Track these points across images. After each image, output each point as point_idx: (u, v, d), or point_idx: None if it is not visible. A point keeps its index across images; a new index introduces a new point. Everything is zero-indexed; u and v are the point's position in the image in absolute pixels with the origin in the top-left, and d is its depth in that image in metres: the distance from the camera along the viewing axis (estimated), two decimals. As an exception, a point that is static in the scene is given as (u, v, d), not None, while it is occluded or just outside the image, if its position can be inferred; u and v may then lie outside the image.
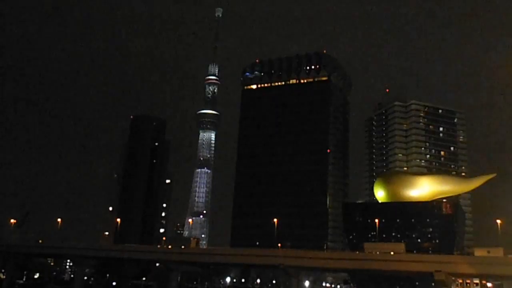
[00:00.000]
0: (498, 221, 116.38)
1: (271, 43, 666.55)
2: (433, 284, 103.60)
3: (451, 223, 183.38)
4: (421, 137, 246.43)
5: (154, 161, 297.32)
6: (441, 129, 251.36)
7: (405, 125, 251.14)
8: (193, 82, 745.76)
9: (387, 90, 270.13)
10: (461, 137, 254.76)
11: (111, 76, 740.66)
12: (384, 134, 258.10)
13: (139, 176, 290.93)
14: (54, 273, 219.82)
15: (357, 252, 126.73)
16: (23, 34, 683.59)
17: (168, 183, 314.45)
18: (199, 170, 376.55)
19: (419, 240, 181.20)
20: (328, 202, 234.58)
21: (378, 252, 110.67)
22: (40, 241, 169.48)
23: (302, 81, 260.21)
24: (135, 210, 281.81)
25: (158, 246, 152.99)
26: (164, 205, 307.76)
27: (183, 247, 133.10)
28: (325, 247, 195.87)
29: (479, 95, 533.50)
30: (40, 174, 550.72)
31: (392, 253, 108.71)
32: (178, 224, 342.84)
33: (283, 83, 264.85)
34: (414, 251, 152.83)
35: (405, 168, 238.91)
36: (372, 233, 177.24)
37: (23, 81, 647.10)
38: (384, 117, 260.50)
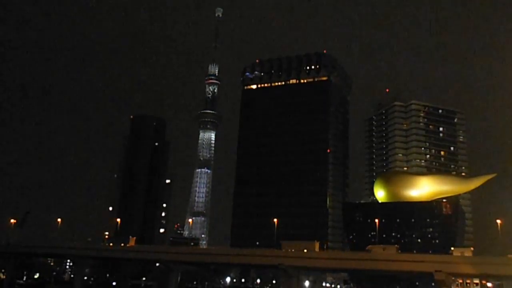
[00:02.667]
0: (498, 221, 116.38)
1: (271, 43, 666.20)
2: (433, 284, 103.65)
3: (451, 223, 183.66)
4: (421, 137, 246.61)
5: (154, 161, 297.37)
6: (441, 129, 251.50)
7: (405, 125, 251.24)
8: (193, 82, 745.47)
9: (387, 90, 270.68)
10: (461, 137, 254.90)
11: (111, 76, 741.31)
12: (384, 134, 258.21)
13: (139, 176, 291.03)
14: (54, 273, 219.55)
15: (358, 252, 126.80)
16: (23, 33, 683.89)
17: (168, 183, 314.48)
18: (199, 170, 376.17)
19: (419, 240, 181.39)
20: (328, 202, 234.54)
21: (293, 250, 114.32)
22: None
23: (302, 81, 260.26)
24: (135, 210, 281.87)
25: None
26: (164, 205, 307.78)
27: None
28: (325, 247, 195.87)
29: (479, 95, 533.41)
30: (40, 174, 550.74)
31: (305, 250, 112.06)
32: (178, 224, 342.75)
33: (283, 83, 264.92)
34: (414, 251, 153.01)
35: (405, 168, 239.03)
36: (372, 233, 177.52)
37: (23, 81, 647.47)
38: (384, 117, 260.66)
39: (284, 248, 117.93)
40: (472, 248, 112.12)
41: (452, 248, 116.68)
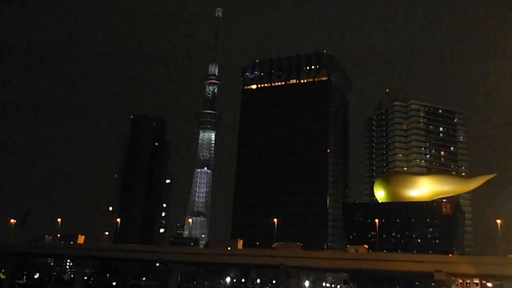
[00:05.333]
0: (498, 221, 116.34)
1: (271, 43, 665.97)
2: (433, 284, 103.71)
3: (451, 223, 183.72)
4: (421, 137, 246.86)
5: (154, 161, 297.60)
6: (441, 129, 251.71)
7: (405, 125, 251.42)
8: (193, 82, 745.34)
9: (387, 90, 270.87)
10: (461, 137, 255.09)
11: (111, 76, 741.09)
12: (384, 134, 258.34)
13: (139, 176, 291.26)
14: (54, 273, 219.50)
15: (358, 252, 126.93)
16: (22, 33, 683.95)
17: (168, 183, 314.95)
18: (199, 170, 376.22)
19: (419, 240, 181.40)
20: (328, 202, 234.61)
21: (219, 248, 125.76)
22: None
23: (302, 81, 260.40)
24: (135, 210, 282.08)
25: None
26: (164, 205, 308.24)
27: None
28: (325, 247, 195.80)
29: (479, 95, 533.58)
30: (40, 174, 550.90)
31: (229, 248, 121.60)
32: (178, 224, 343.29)
33: (283, 83, 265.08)
34: (414, 251, 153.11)
35: (405, 168, 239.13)
36: (372, 233, 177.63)
37: (23, 81, 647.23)
38: (384, 117, 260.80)
39: (211, 247, 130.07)
40: (366, 246, 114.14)
41: (348, 246, 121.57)
